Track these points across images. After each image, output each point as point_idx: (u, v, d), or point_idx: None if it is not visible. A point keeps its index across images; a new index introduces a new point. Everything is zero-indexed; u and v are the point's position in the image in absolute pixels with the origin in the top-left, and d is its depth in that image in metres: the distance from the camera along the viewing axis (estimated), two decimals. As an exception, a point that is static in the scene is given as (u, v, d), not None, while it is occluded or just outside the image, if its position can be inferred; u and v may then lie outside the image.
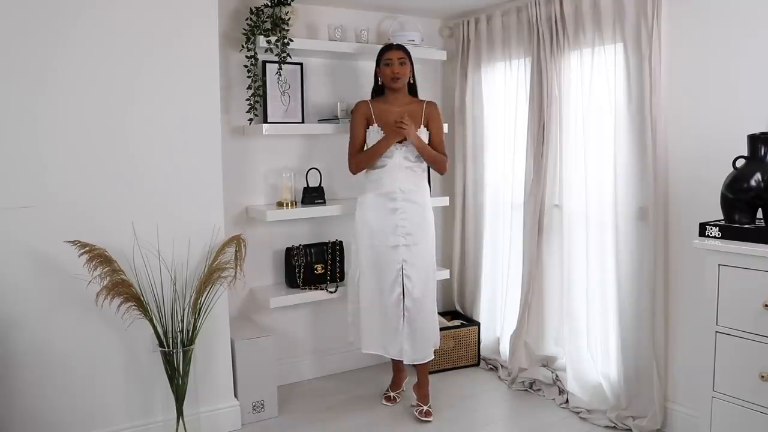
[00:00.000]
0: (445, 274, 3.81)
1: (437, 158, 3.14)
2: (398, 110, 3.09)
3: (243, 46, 3.20)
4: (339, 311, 3.55)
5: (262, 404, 3.12)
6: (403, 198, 3.07)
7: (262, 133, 3.20)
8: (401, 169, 3.08)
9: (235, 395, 3.07)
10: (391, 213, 3.07)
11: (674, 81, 2.74)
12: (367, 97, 3.26)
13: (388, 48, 3.13)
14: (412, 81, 3.18)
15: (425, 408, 3.13)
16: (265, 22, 3.18)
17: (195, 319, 2.72)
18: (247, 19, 3.18)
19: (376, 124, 3.10)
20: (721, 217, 2.31)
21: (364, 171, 3.17)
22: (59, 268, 2.58)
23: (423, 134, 3.11)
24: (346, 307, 3.30)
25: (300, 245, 3.43)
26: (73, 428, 2.68)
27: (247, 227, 3.34)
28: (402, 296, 3.06)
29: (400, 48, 3.12)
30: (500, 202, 3.68)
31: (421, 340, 3.09)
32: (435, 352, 3.23)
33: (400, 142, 3.06)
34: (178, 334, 2.71)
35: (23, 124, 2.51)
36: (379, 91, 3.20)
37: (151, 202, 2.77)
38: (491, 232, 3.75)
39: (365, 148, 3.13)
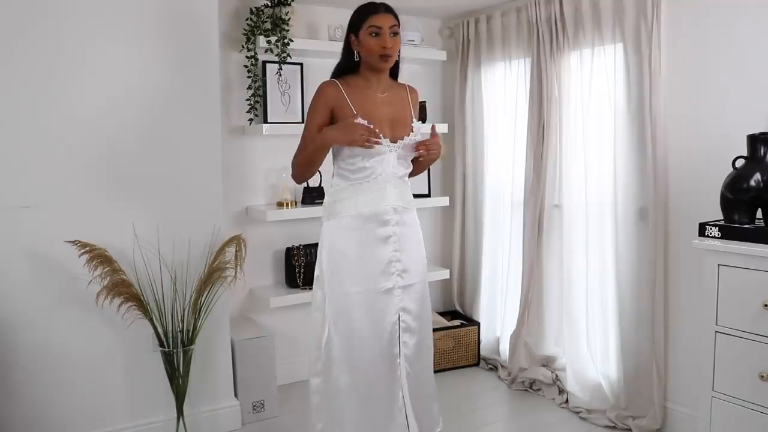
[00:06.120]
0: (445, 273, 3.81)
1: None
2: (381, 97, 2.25)
3: (243, 46, 3.20)
4: (339, 311, 3.54)
5: (262, 404, 3.12)
6: (396, 221, 2.21)
7: (262, 133, 3.21)
8: (393, 179, 2.22)
9: (235, 395, 3.07)
10: (382, 243, 2.20)
11: (674, 81, 2.74)
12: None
13: (373, 9, 2.20)
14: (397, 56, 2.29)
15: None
16: (265, 22, 3.18)
17: (195, 319, 2.72)
18: (247, 19, 3.18)
19: (359, 117, 2.15)
20: (721, 217, 2.32)
21: (335, 182, 2.27)
22: (59, 268, 2.58)
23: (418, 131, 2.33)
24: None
25: (300, 245, 3.43)
26: (74, 428, 2.68)
27: (247, 227, 3.34)
28: (400, 360, 2.21)
29: (390, 11, 2.23)
30: (500, 202, 3.68)
31: (427, 414, 2.36)
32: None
33: (395, 141, 2.22)
34: (179, 334, 2.71)
35: (23, 125, 2.51)
36: (349, 68, 2.26)
37: (151, 202, 2.77)
38: (491, 232, 3.75)
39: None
